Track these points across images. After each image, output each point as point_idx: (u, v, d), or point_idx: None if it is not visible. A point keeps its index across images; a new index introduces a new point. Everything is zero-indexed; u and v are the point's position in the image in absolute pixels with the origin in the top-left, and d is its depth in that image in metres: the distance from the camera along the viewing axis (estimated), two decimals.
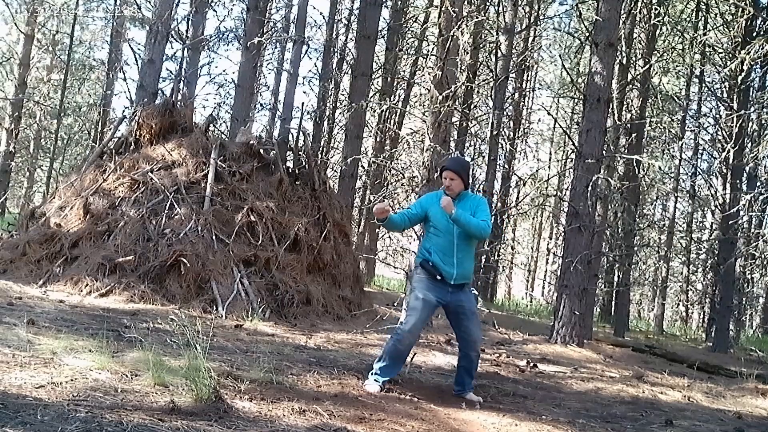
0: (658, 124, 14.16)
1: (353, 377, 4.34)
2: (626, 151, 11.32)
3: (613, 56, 8.79)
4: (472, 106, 15.72)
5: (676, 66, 14.79)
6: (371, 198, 14.76)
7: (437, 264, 4.24)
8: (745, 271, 14.17)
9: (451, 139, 11.37)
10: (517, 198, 18.51)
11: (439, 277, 4.23)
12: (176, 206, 7.66)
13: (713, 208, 15.28)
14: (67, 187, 8.43)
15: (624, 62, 11.24)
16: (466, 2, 7.97)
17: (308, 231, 8.10)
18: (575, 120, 17.23)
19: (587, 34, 9.65)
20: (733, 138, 11.55)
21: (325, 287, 8.03)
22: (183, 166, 8.21)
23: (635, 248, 14.29)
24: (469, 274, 4.38)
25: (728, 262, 11.46)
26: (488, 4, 12.14)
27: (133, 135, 8.65)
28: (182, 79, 12.78)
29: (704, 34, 13.36)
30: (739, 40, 11.93)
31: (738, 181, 12.12)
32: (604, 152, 8.91)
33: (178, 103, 9.14)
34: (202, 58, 15.15)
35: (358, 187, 16.16)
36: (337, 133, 18.46)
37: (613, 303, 15.97)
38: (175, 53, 15.11)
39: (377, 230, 16.46)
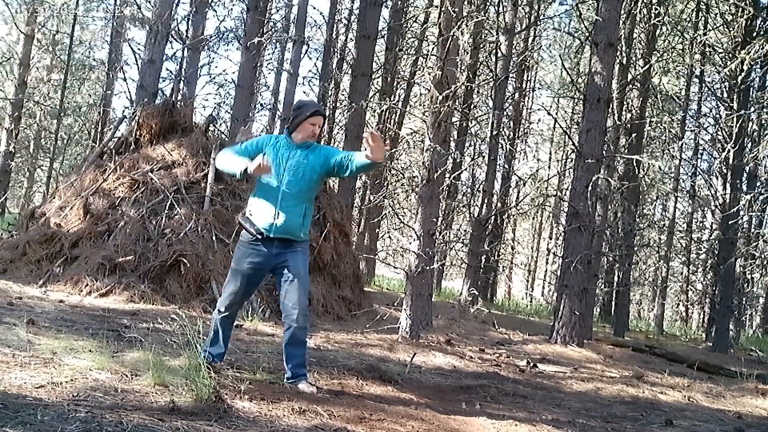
0: (658, 124, 14.16)
1: (353, 377, 4.34)
2: (626, 151, 11.32)
3: (613, 56, 8.79)
4: (472, 106, 15.73)
5: (676, 66, 14.78)
6: (371, 198, 14.76)
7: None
8: (745, 271, 14.17)
9: (451, 139, 11.36)
10: (517, 198, 18.51)
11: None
12: (176, 206, 7.66)
13: (713, 208, 15.28)
14: (67, 187, 8.44)
15: (624, 62, 11.24)
16: (466, 2, 7.94)
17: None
18: (575, 120, 17.22)
19: (587, 34, 9.65)
20: (733, 138, 11.55)
21: (325, 287, 8.04)
22: (183, 166, 8.21)
23: (635, 248, 14.28)
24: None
25: (728, 262, 11.45)
26: (488, 4, 12.11)
27: (133, 135, 8.65)
28: (182, 79, 12.78)
29: (704, 34, 13.37)
30: (739, 40, 11.93)
31: (738, 181, 12.12)
32: (604, 152, 8.91)
33: (178, 103, 9.14)
34: (202, 58, 15.14)
35: (358, 187, 16.15)
36: (337, 133, 18.46)
37: (613, 303, 15.97)
38: (175, 53, 15.09)
39: (377, 230, 16.46)
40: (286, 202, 3.78)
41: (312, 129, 3.85)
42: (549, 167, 22.96)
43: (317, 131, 3.88)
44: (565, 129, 14.46)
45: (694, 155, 17.63)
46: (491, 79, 13.30)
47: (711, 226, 17.59)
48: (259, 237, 3.78)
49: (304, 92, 52.62)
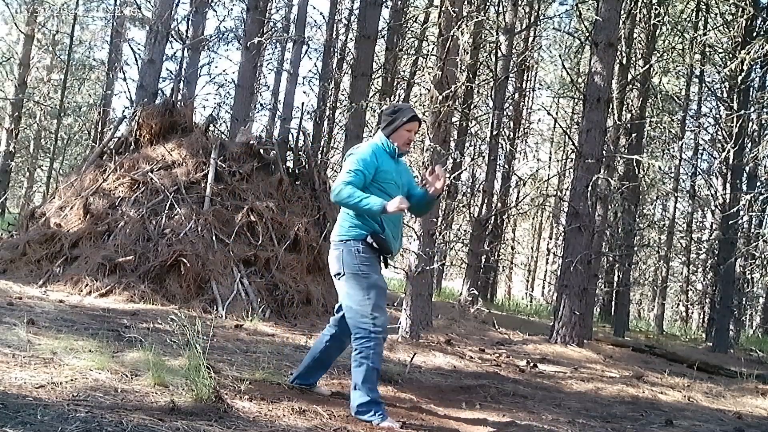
0: (658, 124, 14.15)
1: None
2: (626, 151, 11.32)
3: (613, 56, 8.79)
4: (472, 106, 15.70)
5: (676, 66, 14.77)
6: None
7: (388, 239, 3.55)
8: (745, 271, 14.17)
9: (451, 139, 11.33)
10: (517, 198, 18.50)
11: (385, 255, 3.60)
12: (176, 206, 7.66)
13: (713, 208, 15.29)
14: (67, 187, 8.44)
15: (624, 62, 11.23)
16: (466, 2, 7.94)
17: (308, 231, 8.10)
18: (575, 120, 17.22)
19: (587, 34, 9.65)
20: (733, 138, 11.55)
21: (325, 287, 8.03)
22: (183, 166, 8.21)
23: (635, 248, 14.28)
24: None
25: (728, 262, 11.46)
26: (488, 4, 12.09)
27: (133, 135, 8.66)
28: (182, 79, 12.78)
29: (704, 34, 13.36)
30: (739, 40, 11.94)
31: (738, 181, 12.12)
32: (604, 152, 8.91)
33: (178, 103, 9.15)
34: (202, 58, 15.14)
35: None
36: (337, 133, 18.46)
37: (613, 303, 15.97)
38: (175, 53, 15.10)
39: None
40: (401, 222, 3.72)
41: (408, 136, 3.62)
42: (549, 167, 22.95)
43: (413, 138, 3.68)
44: (565, 129, 14.46)
45: (694, 155, 17.64)
46: (491, 79, 13.30)
47: (711, 226, 17.59)
48: (387, 255, 3.62)
49: (304, 92, 52.65)
